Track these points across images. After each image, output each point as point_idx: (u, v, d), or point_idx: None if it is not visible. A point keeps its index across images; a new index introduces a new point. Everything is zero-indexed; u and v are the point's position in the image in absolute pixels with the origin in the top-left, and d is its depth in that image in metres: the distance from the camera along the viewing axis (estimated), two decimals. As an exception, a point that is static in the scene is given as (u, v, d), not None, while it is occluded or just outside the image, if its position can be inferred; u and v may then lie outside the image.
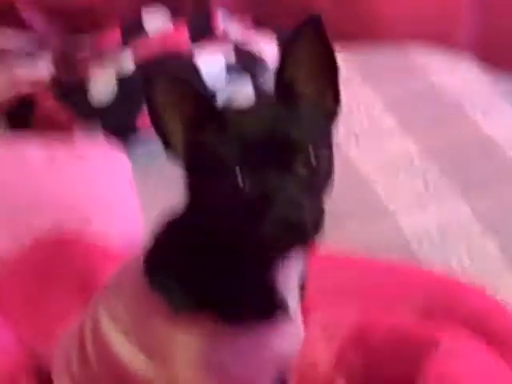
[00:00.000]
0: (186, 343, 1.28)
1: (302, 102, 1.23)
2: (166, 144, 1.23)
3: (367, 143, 2.47)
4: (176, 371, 1.30)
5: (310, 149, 1.16)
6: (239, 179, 1.14)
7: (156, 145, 1.35)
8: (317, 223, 1.15)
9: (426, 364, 1.50)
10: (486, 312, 1.74)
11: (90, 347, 1.40)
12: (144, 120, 2.46)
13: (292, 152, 1.16)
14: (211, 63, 2.62)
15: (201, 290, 1.27)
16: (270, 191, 1.13)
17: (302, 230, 1.12)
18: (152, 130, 1.23)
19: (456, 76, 2.72)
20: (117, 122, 2.49)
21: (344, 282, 1.84)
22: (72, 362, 1.45)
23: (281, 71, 1.23)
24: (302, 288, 1.32)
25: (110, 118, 2.50)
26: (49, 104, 2.51)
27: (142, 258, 1.33)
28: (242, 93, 2.60)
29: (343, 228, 2.17)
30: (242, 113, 1.22)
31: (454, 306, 1.75)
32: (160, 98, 1.20)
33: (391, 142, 2.46)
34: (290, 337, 1.34)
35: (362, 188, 2.31)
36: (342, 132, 2.49)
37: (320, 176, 1.19)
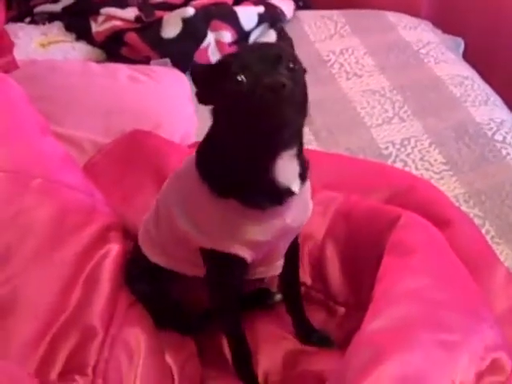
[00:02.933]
0: (222, 218, 1.29)
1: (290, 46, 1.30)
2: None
3: (354, 78, 2.42)
4: (213, 234, 1.32)
5: (289, 59, 1.17)
6: (239, 77, 1.14)
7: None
8: (298, 105, 1.15)
9: (390, 233, 1.49)
10: (433, 199, 1.73)
11: (162, 216, 1.41)
12: (199, 55, 2.42)
13: (276, 60, 1.15)
14: (247, 10, 2.57)
15: (230, 183, 1.26)
16: (260, 77, 1.12)
17: (282, 92, 1.10)
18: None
19: (417, 34, 2.66)
20: (180, 52, 2.44)
21: (332, 174, 1.81)
22: (150, 225, 1.46)
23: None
24: (304, 176, 1.31)
25: (175, 49, 2.42)
26: (132, 37, 2.46)
27: (194, 157, 1.32)
28: (269, 38, 2.56)
29: (334, 135, 2.15)
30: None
31: (409, 195, 1.73)
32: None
33: (371, 78, 2.41)
34: (298, 212, 1.34)
35: (348, 108, 2.26)
36: (337, 69, 2.45)
37: (298, 79, 1.17)
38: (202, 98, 1.25)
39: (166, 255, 1.44)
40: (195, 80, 1.26)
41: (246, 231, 1.29)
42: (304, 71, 1.22)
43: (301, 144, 1.26)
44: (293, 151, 1.24)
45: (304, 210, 1.38)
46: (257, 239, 1.31)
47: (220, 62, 1.22)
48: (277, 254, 1.44)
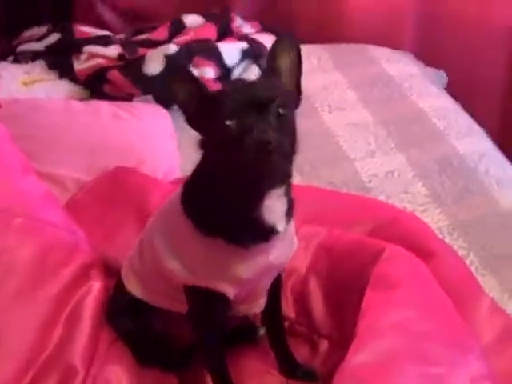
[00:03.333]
0: (206, 255, 1.29)
1: (280, 83, 1.25)
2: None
3: (336, 111, 2.43)
4: (197, 271, 1.31)
5: (279, 105, 1.17)
6: (229, 122, 1.15)
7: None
8: (285, 154, 1.17)
9: (373, 266, 1.48)
10: (416, 231, 1.72)
11: (146, 252, 1.41)
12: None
13: (266, 106, 1.16)
14: (230, 47, 2.58)
15: (215, 220, 1.27)
16: (248, 126, 1.14)
17: (269, 148, 1.12)
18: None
19: (399, 67, 2.69)
20: (163, 89, 2.43)
21: (315, 208, 1.80)
22: (135, 261, 1.45)
23: (271, 61, 1.25)
24: (290, 214, 1.31)
25: (158, 86, 2.42)
26: (115, 74, 2.46)
27: (180, 194, 1.32)
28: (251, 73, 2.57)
29: (317, 169, 2.15)
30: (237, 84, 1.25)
31: (393, 227, 1.72)
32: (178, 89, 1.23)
33: (354, 111, 2.42)
34: (282, 250, 1.34)
35: (331, 142, 2.27)
36: (319, 103, 2.46)
37: (287, 126, 1.18)
38: (190, 122, 1.26)
39: (149, 290, 1.43)
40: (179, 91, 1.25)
41: (230, 268, 1.29)
42: (298, 103, 1.26)
43: (289, 183, 1.27)
44: (281, 190, 1.25)
45: (288, 247, 1.38)
46: (240, 276, 1.31)
47: (210, 99, 1.22)
48: (260, 291, 1.43)
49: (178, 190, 1.35)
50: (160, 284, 1.39)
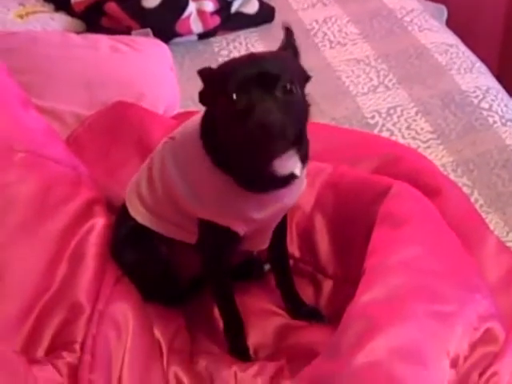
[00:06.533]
0: (221, 192, 1.29)
1: (291, 57, 1.27)
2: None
3: (337, 46, 2.39)
4: (211, 206, 1.31)
5: (287, 81, 1.16)
6: (234, 96, 1.15)
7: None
8: (288, 132, 1.15)
9: (380, 203, 1.46)
10: (421, 168, 1.69)
11: (157, 180, 1.39)
12: (181, 25, 2.38)
13: (273, 81, 1.15)
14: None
15: (232, 166, 1.27)
16: (254, 104, 1.13)
17: (273, 132, 1.12)
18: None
19: (400, 1, 2.63)
20: (161, 22, 2.38)
21: (319, 144, 1.75)
22: (141, 187, 1.43)
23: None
24: (306, 159, 1.31)
25: (156, 19, 2.37)
26: (112, 7, 2.40)
27: (199, 128, 1.31)
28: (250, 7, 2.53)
29: (319, 105, 2.11)
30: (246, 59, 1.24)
31: (397, 164, 1.70)
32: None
33: (355, 46, 2.38)
34: (296, 191, 1.34)
35: (333, 78, 2.24)
36: (320, 38, 2.42)
37: (294, 102, 1.18)
38: (202, 99, 1.27)
39: (156, 217, 1.41)
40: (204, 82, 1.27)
41: (244, 209, 1.30)
42: (307, 79, 1.25)
43: (301, 141, 1.27)
44: (292, 150, 1.24)
45: (299, 186, 1.37)
46: (255, 217, 1.31)
47: (220, 73, 1.22)
48: (268, 228, 1.42)
49: (191, 121, 1.36)
50: (170, 213, 1.38)
